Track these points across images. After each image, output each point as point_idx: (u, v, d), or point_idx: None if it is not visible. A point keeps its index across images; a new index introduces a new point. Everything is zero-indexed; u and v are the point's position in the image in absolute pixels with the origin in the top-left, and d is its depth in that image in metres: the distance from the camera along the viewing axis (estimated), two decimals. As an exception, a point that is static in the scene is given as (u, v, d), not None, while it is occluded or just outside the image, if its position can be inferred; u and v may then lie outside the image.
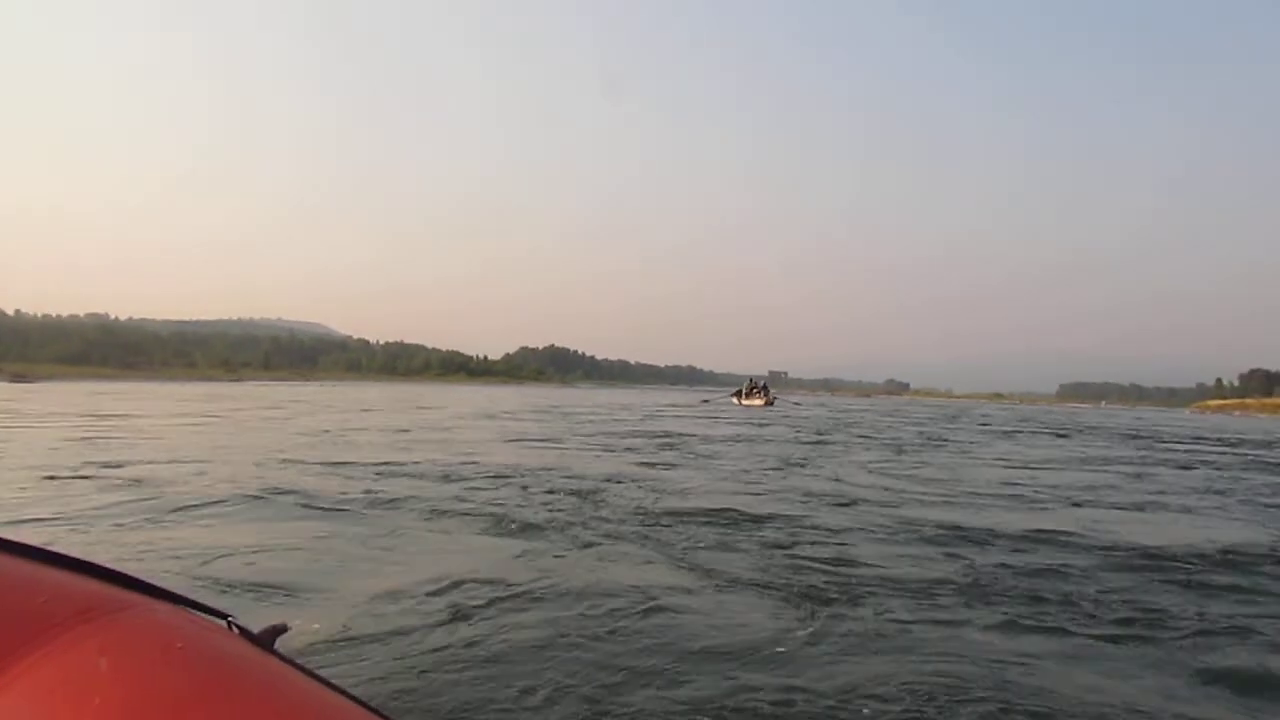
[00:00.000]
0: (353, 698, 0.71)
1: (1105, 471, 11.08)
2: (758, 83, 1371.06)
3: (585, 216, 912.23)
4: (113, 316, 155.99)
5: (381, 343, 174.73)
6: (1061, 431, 24.04)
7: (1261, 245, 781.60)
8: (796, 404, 44.31)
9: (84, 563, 0.78)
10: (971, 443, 16.84)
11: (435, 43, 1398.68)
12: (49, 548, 0.78)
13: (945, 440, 17.44)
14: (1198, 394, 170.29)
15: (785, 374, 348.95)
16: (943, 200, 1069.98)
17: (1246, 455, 15.79)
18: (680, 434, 16.12)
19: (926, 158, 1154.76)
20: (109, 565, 0.79)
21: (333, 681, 0.72)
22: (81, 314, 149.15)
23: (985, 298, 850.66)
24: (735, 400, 39.02)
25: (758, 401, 36.65)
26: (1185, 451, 16.37)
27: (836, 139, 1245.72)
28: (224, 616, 0.80)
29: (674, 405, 36.19)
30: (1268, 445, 20.57)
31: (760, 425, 21.10)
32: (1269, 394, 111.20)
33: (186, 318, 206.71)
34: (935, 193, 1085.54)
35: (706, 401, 41.09)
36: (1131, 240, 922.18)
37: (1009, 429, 24.79)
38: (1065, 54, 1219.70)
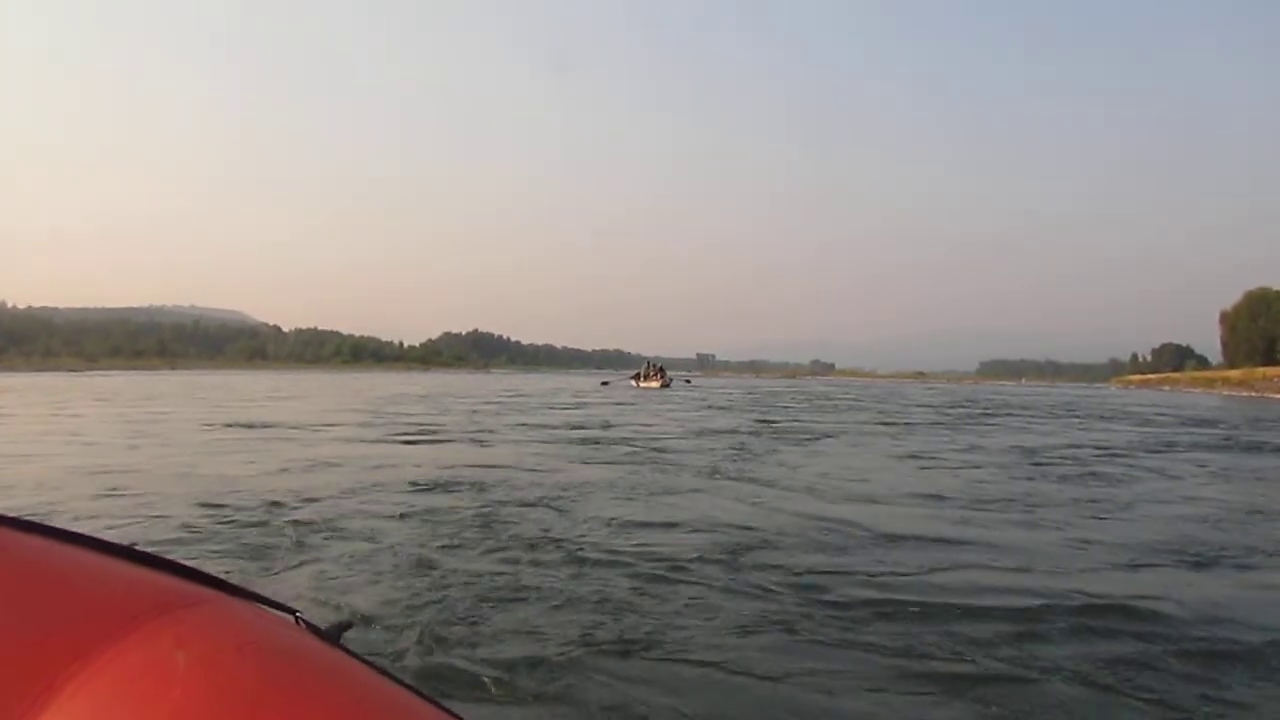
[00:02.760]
0: (419, 692, 0.71)
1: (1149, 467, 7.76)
2: (683, 63, 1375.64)
3: (513, 198, 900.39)
4: (10, 305, 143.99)
5: (294, 329, 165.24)
6: (1012, 413, 20.42)
7: (1166, 228, 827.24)
8: (688, 383, 47.12)
9: (156, 558, 0.78)
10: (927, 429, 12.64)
11: (345, 16, 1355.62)
12: (120, 543, 0.77)
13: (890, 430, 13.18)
14: (1112, 369, 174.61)
15: (713, 356, 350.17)
16: (865, 183, 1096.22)
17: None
18: (537, 425, 11.56)
19: (851, 141, 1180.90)
20: (180, 560, 0.78)
21: (398, 676, 0.72)
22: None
23: (906, 278, 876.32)
24: (633, 383, 40.12)
25: (654, 384, 38.32)
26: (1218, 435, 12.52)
27: (762, 123, 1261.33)
28: (291, 612, 0.80)
29: (578, 390, 34.57)
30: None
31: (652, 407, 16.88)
32: (1179, 367, 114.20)
33: (93, 305, 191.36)
34: (858, 176, 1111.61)
35: (606, 384, 42.86)
36: (1044, 222, 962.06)
37: (979, 414, 20.92)
38: (987, 41, 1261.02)
